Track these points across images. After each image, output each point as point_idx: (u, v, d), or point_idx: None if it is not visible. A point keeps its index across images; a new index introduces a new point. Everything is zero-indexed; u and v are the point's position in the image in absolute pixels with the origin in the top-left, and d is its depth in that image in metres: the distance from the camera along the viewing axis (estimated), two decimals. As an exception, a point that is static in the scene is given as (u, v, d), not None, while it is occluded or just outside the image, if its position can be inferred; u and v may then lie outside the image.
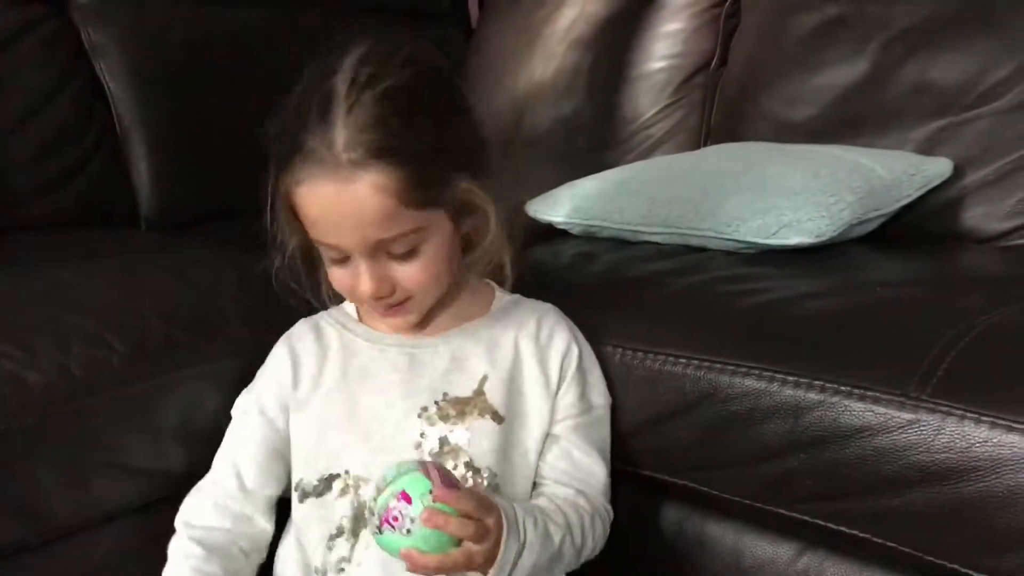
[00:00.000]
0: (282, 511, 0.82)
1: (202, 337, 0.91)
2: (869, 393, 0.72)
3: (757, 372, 0.78)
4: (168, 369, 0.87)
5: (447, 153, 0.72)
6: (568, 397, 0.81)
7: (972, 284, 0.90)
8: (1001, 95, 1.10)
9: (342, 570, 0.75)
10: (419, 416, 0.77)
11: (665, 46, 1.49)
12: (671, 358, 0.84)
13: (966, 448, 0.67)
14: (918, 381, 0.71)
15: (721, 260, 1.00)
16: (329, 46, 0.72)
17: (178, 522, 0.79)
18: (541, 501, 0.78)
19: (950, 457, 0.68)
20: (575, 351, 0.83)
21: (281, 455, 0.81)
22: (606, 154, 1.49)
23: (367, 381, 0.80)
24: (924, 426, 0.69)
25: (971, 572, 0.69)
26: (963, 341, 0.72)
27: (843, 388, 0.74)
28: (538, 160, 1.55)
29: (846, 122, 1.21)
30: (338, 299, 0.85)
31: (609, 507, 0.83)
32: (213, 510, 0.79)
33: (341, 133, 0.68)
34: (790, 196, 0.99)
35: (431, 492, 0.65)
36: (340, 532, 0.75)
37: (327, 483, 0.77)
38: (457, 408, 0.78)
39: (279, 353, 0.83)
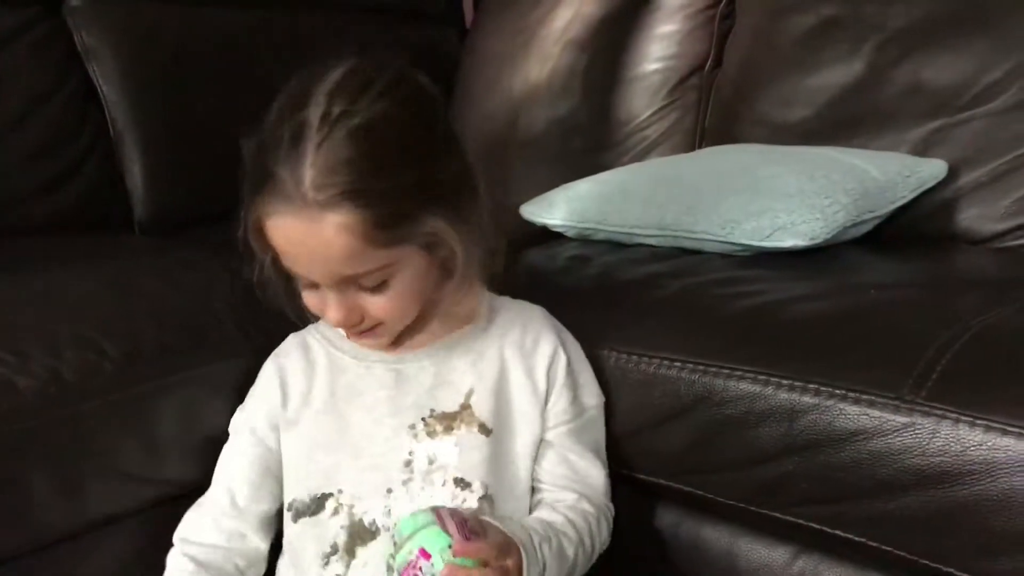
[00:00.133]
0: (280, 528, 0.82)
1: (195, 341, 0.91)
2: (864, 396, 0.72)
3: (752, 375, 0.78)
4: (161, 373, 0.87)
5: (419, 191, 0.70)
6: (560, 404, 0.81)
7: (967, 286, 0.90)
8: (996, 96, 1.10)
9: None
10: (407, 433, 0.77)
11: (660, 48, 1.49)
12: (666, 362, 0.84)
13: (961, 451, 0.67)
14: (913, 384, 0.71)
15: (716, 262, 1.00)
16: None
17: (176, 537, 0.79)
18: (548, 513, 0.78)
19: (945, 460, 0.68)
20: (562, 357, 0.82)
21: (273, 473, 0.81)
22: (601, 155, 1.49)
23: (356, 400, 0.79)
24: (919, 429, 0.69)
25: (966, 576, 0.69)
26: (958, 343, 0.72)
27: (838, 391, 0.74)
28: (533, 161, 1.55)
29: (841, 123, 1.20)
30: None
31: (611, 504, 0.83)
32: (208, 527, 0.79)
33: (309, 172, 0.66)
34: (784, 198, 0.99)
35: (450, 547, 0.65)
36: (335, 550, 0.76)
37: (319, 502, 0.77)
38: (444, 424, 0.78)
39: (268, 372, 0.83)
